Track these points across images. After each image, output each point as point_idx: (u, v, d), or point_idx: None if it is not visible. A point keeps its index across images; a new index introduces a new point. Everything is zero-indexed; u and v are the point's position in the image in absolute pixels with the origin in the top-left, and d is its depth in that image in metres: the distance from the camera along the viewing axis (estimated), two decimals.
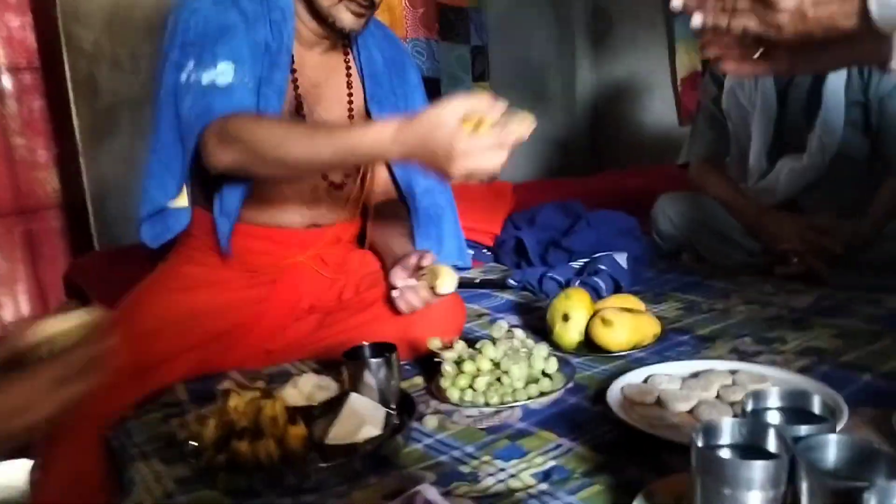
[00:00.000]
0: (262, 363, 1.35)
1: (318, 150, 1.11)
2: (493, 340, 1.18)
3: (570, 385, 1.15)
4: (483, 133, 0.98)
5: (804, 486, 0.62)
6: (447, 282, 1.26)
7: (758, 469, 0.62)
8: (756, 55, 0.98)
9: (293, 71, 1.35)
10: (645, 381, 1.10)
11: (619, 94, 3.39)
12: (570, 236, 1.94)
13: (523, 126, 1.00)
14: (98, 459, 1.19)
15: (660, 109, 3.24)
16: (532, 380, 1.15)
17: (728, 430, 0.69)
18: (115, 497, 1.17)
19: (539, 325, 1.41)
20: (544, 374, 1.16)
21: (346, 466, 0.91)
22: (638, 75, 3.30)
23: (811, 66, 1.01)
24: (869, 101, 1.72)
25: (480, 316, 1.59)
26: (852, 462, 0.64)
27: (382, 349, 1.12)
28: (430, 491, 0.80)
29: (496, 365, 1.15)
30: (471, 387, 1.13)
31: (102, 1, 2.30)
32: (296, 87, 1.35)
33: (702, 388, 1.04)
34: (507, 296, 1.74)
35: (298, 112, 1.35)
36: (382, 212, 1.51)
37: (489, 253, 2.11)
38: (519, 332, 1.22)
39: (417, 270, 1.30)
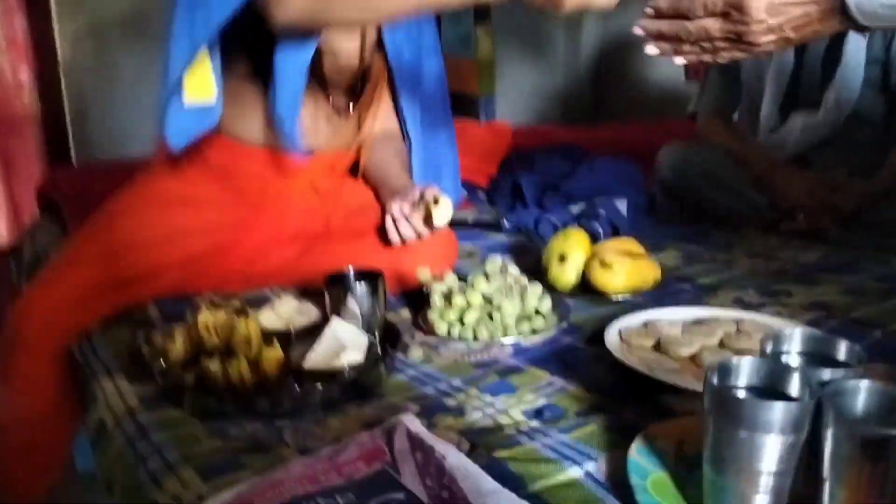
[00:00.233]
0: (240, 287, 1.28)
1: None
2: (486, 275, 1.12)
3: (565, 325, 1.09)
4: None
5: (829, 434, 0.55)
6: (444, 213, 1.19)
7: (780, 411, 0.56)
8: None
9: None
10: (644, 326, 1.04)
11: (626, 46, 3.28)
12: (569, 180, 1.86)
13: None
14: (61, 372, 1.13)
15: (666, 64, 3.12)
16: (524, 317, 1.08)
17: (745, 371, 0.63)
18: (77, 413, 1.12)
19: (533, 268, 1.34)
20: (537, 312, 1.10)
21: (323, 393, 0.85)
22: None
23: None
24: (890, 60, 1.65)
25: (471, 255, 1.53)
26: (881, 411, 0.58)
27: (368, 276, 1.05)
28: (413, 422, 0.74)
29: (488, 300, 1.08)
30: (460, 320, 1.07)
31: None
32: None
33: (704, 334, 0.98)
34: (501, 237, 1.67)
35: None
36: (381, 144, 1.43)
37: (483, 195, 2.03)
38: (513, 269, 1.15)
39: (418, 203, 1.23)
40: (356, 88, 1.34)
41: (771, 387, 0.62)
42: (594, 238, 1.48)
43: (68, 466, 1.28)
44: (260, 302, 1.16)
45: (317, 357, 0.90)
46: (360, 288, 1.02)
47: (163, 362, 0.90)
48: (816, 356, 0.68)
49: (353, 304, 1.00)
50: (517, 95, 3.16)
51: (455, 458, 0.68)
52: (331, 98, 1.32)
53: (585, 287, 1.23)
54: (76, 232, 1.26)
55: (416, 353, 1.00)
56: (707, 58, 0.87)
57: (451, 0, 1.04)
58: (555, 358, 0.98)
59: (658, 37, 0.88)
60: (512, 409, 0.83)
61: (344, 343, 0.92)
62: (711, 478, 0.60)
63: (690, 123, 1.95)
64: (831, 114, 1.69)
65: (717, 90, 1.91)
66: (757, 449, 0.57)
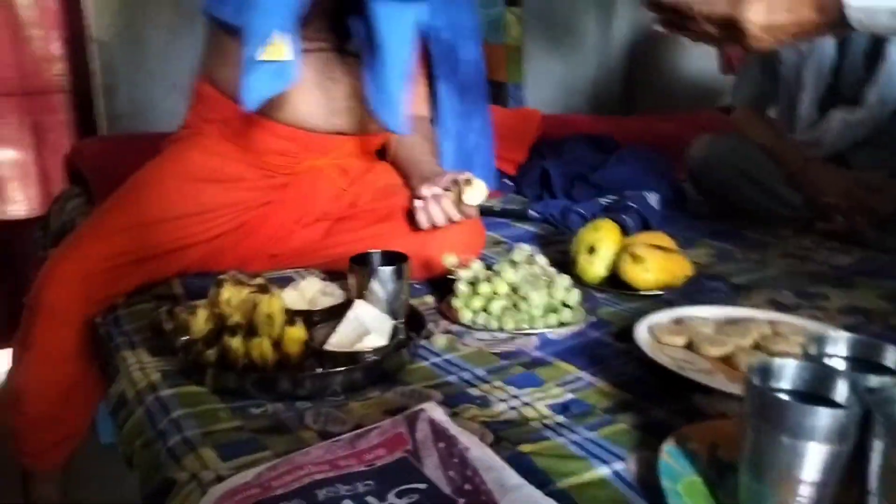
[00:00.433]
0: (265, 267, 1.27)
1: None
2: (513, 264, 1.09)
3: (593, 319, 1.06)
4: None
5: (878, 445, 0.53)
6: (476, 193, 1.16)
7: (825, 417, 0.53)
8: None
9: None
10: (675, 323, 1.01)
11: (660, 36, 3.22)
12: (599, 171, 1.82)
13: None
14: (83, 343, 1.13)
15: (700, 56, 3.06)
16: (551, 309, 1.06)
17: (788, 373, 0.60)
18: (98, 384, 1.12)
19: (560, 259, 1.32)
20: (565, 305, 1.08)
21: (345, 375, 0.83)
22: None
23: None
24: None
25: (498, 244, 1.50)
26: None
27: (393, 258, 1.04)
28: (436, 410, 0.72)
29: (514, 289, 1.06)
30: (485, 309, 1.05)
31: None
32: None
33: (738, 334, 0.95)
34: (527, 227, 1.64)
35: None
36: (412, 129, 1.41)
37: (511, 182, 2.00)
38: (541, 259, 1.13)
39: (450, 186, 1.20)
40: None
41: (815, 392, 0.59)
42: (624, 231, 1.45)
43: (90, 437, 1.28)
44: (285, 281, 1.15)
45: (340, 339, 0.89)
46: (385, 271, 1.00)
47: (185, 338, 0.89)
48: (863, 362, 0.65)
49: (377, 287, 0.99)
50: (546, 84, 3.11)
51: (478, 451, 0.66)
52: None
53: (614, 280, 1.21)
54: (103, 202, 1.25)
55: (439, 341, 0.98)
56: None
57: None
58: (582, 352, 0.96)
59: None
60: (537, 403, 0.81)
61: (367, 326, 0.90)
62: (749, 484, 0.57)
63: (724, 116, 1.90)
64: (873, 111, 1.64)
65: (754, 83, 1.86)
66: (799, 457, 0.54)
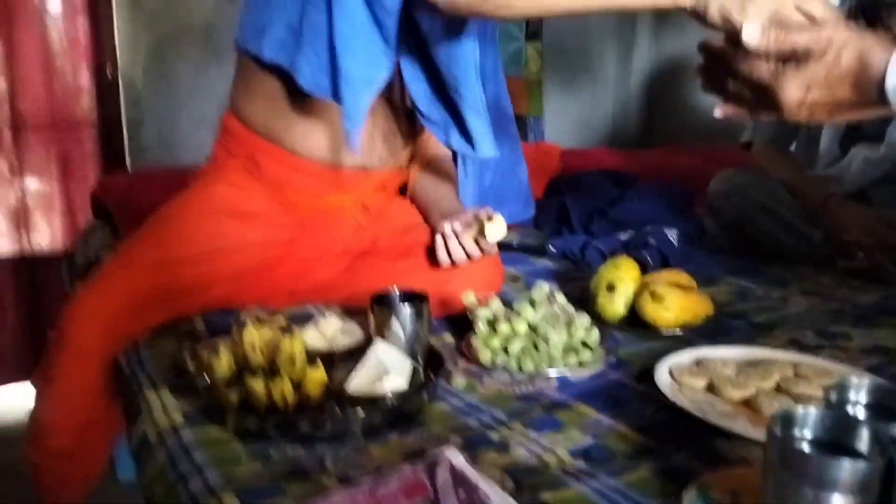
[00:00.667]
0: (286, 303, 1.28)
1: None
2: (533, 303, 1.10)
3: (613, 360, 1.06)
4: None
5: None
6: (497, 229, 1.17)
7: (848, 469, 0.53)
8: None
9: None
10: (695, 364, 1.01)
11: (679, 70, 3.23)
12: (618, 206, 1.83)
13: None
14: (105, 380, 1.14)
15: None
16: (571, 349, 1.06)
17: (810, 422, 0.60)
18: (118, 421, 1.13)
19: (579, 296, 1.32)
20: (584, 345, 1.08)
21: (365, 418, 0.83)
22: None
23: None
24: None
25: (516, 280, 1.50)
26: None
27: (413, 297, 1.04)
28: (456, 456, 0.72)
29: (533, 329, 1.06)
30: (504, 349, 1.05)
31: None
32: None
33: (760, 376, 0.95)
34: (546, 262, 1.65)
35: None
36: (433, 166, 1.43)
37: (529, 217, 2.01)
38: (560, 297, 1.13)
39: (471, 223, 1.22)
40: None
41: (837, 441, 0.59)
42: (643, 268, 1.45)
43: (108, 474, 1.29)
44: (304, 318, 1.15)
45: (360, 380, 0.89)
46: (405, 310, 1.00)
47: (207, 378, 0.90)
48: (885, 409, 0.65)
49: (396, 327, 0.99)
50: (566, 117, 3.14)
51: (499, 499, 0.66)
52: (390, 118, 1.32)
53: (634, 319, 1.20)
54: (129, 238, 1.27)
55: (459, 381, 0.98)
56: (743, 110, 0.84)
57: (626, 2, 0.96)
58: (602, 394, 0.95)
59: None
60: (558, 447, 0.81)
61: (387, 367, 0.90)
62: None
63: (743, 151, 1.89)
64: (894, 149, 1.64)
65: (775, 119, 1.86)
66: None
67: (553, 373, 1.01)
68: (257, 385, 0.85)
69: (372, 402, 0.86)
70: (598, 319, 1.19)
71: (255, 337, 0.90)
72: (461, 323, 1.16)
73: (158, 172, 1.97)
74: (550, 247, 1.70)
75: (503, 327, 1.05)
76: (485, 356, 1.04)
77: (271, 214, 1.30)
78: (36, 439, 1.19)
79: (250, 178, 1.29)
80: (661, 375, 0.95)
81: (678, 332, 1.17)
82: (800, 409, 0.61)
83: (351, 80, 1.14)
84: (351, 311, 1.22)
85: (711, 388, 0.94)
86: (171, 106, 2.32)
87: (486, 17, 1.19)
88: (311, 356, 0.92)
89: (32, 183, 2.29)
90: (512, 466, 0.76)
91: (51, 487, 1.22)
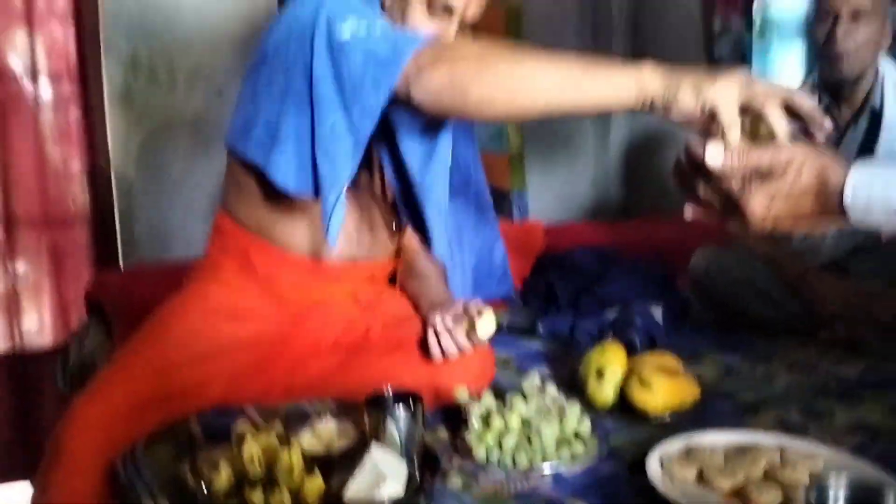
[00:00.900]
0: (281, 398, 1.29)
1: (574, 79, 0.98)
2: (524, 395, 1.12)
3: (605, 450, 1.08)
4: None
5: None
6: (487, 325, 1.20)
7: None
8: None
9: None
10: (685, 452, 1.03)
11: (655, 142, 3.32)
12: (603, 284, 1.87)
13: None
14: (102, 489, 1.14)
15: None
16: (564, 440, 1.08)
17: None
18: None
19: (568, 377, 1.35)
20: (577, 435, 1.10)
21: None
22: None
23: None
24: None
25: (507, 364, 1.53)
26: None
27: (407, 398, 1.06)
28: None
29: (526, 423, 1.08)
30: (498, 445, 1.07)
31: (145, 13, 2.30)
32: None
33: (749, 463, 0.97)
34: (535, 343, 1.68)
35: None
36: (420, 255, 1.46)
37: (517, 297, 2.04)
38: (551, 388, 1.15)
39: (461, 316, 1.25)
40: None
41: None
42: (630, 349, 1.48)
43: None
44: (299, 416, 1.17)
45: (357, 488, 0.91)
46: (400, 412, 1.02)
47: (206, 490, 0.91)
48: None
49: (392, 430, 1.01)
50: (547, 191, 3.21)
51: None
52: (375, 208, 1.36)
53: (623, 403, 1.23)
54: (125, 343, 1.29)
55: (455, 481, 1.00)
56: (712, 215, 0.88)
57: (601, 99, 1.01)
58: (596, 489, 0.97)
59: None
60: None
61: (384, 473, 0.92)
62: None
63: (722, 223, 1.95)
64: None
65: None
66: None
67: (547, 469, 1.03)
68: (256, 498, 0.86)
69: None
70: (588, 405, 1.22)
71: (255, 451, 0.92)
72: (454, 415, 1.18)
73: (152, 269, 2.00)
74: (540, 327, 1.73)
75: (496, 422, 1.07)
76: (479, 453, 1.06)
77: (264, 311, 1.32)
78: None
79: (243, 276, 1.32)
80: (653, 467, 0.97)
81: (667, 418, 1.19)
82: None
83: (323, 178, 1.16)
84: (346, 408, 1.24)
85: (702, 477, 0.96)
86: (162, 198, 2.36)
87: (467, 117, 1.25)
88: (309, 462, 0.93)
89: (24, 275, 2.30)
90: None
91: None
